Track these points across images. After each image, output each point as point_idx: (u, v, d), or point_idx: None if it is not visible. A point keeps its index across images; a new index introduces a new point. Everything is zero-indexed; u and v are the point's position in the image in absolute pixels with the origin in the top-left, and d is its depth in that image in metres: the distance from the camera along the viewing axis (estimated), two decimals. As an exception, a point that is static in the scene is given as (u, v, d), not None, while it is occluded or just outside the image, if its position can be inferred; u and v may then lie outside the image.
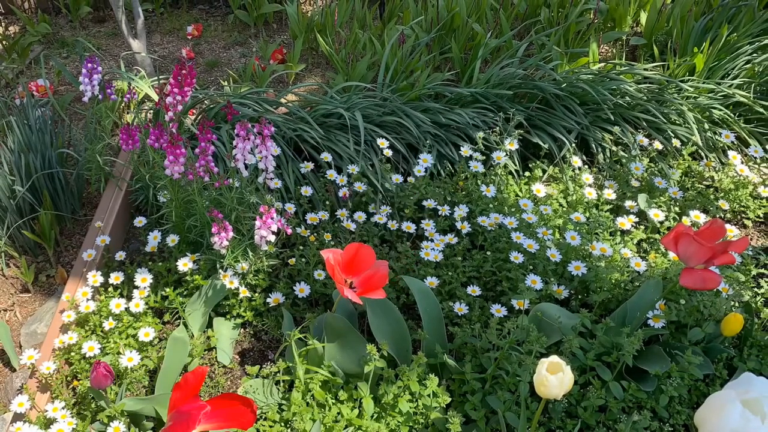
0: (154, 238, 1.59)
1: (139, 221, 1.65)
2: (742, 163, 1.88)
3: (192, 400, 1.05)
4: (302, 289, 1.51)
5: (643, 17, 2.49)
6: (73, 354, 1.42)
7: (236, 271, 1.49)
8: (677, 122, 2.02)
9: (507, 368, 1.32)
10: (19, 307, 1.67)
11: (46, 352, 1.44)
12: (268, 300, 1.51)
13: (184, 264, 1.50)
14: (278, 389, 1.39)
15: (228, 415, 1.06)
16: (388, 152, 1.81)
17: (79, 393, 1.39)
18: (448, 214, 1.68)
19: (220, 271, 1.49)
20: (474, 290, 1.48)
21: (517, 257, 1.51)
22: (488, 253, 1.58)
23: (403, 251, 1.59)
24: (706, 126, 2.02)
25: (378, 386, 1.34)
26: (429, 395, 1.30)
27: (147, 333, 1.43)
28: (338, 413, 1.32)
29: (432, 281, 1.48)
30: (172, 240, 1.56)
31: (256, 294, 1.53)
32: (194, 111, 2.06)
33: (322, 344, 1.36)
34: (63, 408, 1.31)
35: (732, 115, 2.06)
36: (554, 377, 1.08)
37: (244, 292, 1.49)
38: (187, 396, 1.05)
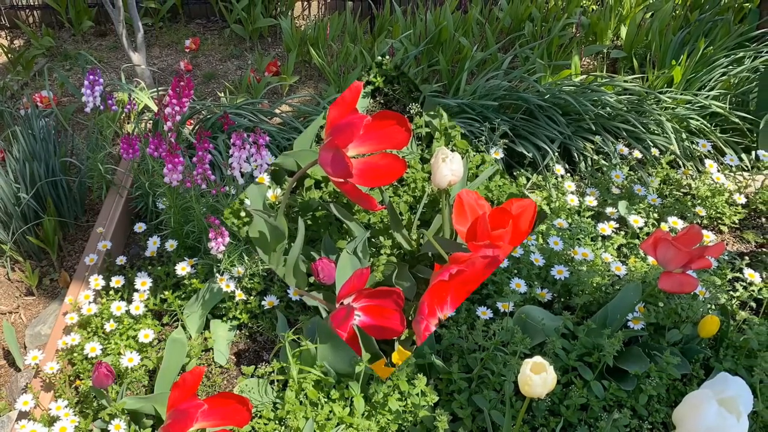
0: (153, 243, 1.65)
1: (139, 227, 1.70)
2: (718, 171, 1.94)
3: (189, 399, 1.09)
4: (296, 292, 1.57)
5: (623, 31, 2.58)
6: (75, 354, 1.47)
7: (232, 275, 1.55)
8: (656, 132, 2.09)
9: (492, 368, 1.37)
10: (24, 309, 1.72)
11: (49, 352, 1.49)
12: (263, 303, 1.57)
13: (183, 268, 1.56)
14: (273, 388, 1.44)
15: (224, 414, 1.10)
16: (380, 161, 1.86)
17: (82, 392, 1.44)
18: (437, 221, 1.73)
19: (217, 275, 1.55)
20: (461, 293, 1.54)
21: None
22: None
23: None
24: (684, 135, 2.09)
25: (369, 386, 1.39)
26: (417, 394, 1.35)
27: (147, 335, 1.48)
28: (330, 411, 1.36)
29: (421, 284, 1.54)
30: (171, 245, 1.62)
31: (252, 297, 1.58)
32: (192, 121, 2.12)
33: (315, 345, 1.41)
34: (66, 407, 1.36)
35: (708, 125, 2.13)
36: (538, 377, 1.11)
37: (240, 296, 1.55)
38: (185, 395, 1.09)
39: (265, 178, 1.26)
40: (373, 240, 1.18)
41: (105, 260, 1.69)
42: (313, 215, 1.27)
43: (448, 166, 0.98)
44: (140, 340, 1.47)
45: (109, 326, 1.48)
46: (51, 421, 1.35)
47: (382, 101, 1.52)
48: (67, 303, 1.57)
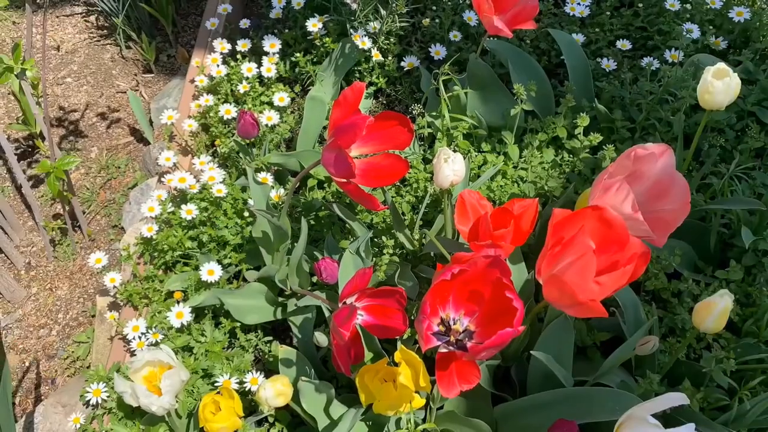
0: (278, 1, 1.52)
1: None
2: None
3: (353, 114, 0.98)
4: (438, 52, 1.44)
5: None
6: (210, 116, 1.40)
7: (367, 32, 1.42)
8: None
9: (660, 116, 1.26)
10: (144, 87, 1.65)
11: (180, 119, 1.42)
12: (402, 64, 1.45)
13: (314, 25, 1.43)
14: (421, 145, 1.36)
15: (384, 136, 0.97)
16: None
17: (220, 155, 1.38)
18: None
19: (351, 31, 1.42)
20: (624, 44, 1.39)
21: (672, 4, 1.40)
22: (640, 5, 1.46)
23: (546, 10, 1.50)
24: None
25: (522, 140, 1.31)
26: (578, 134, 1.24)
27: (281, 98, 1.39)
28: (483, 161, 1.29)
29: (577, 38, 1.39)
30: (298, 3, 1.49)
31: (389, 59, 1.46)
32: None
33: (465, 90, 1.31)
34: (209, 162, 1.31)
35: None
36: (720, 82, 0.99)
37: (376, 56, 1.43)
38: (347, 112, 0.98)
39: (268, 179, 1.24)
40: (375, 240, 1.20)
41: (226, 27, 1.58)
42: (316, 215, 1.28)
43: (450, 167, 0.98)
44: (275, 104, 1.39)
45: (242, 87, 1.39)
46: (196, 174, 1.30)
47: (384, 102, 1.50)
48: (193, 66, 1.49)
